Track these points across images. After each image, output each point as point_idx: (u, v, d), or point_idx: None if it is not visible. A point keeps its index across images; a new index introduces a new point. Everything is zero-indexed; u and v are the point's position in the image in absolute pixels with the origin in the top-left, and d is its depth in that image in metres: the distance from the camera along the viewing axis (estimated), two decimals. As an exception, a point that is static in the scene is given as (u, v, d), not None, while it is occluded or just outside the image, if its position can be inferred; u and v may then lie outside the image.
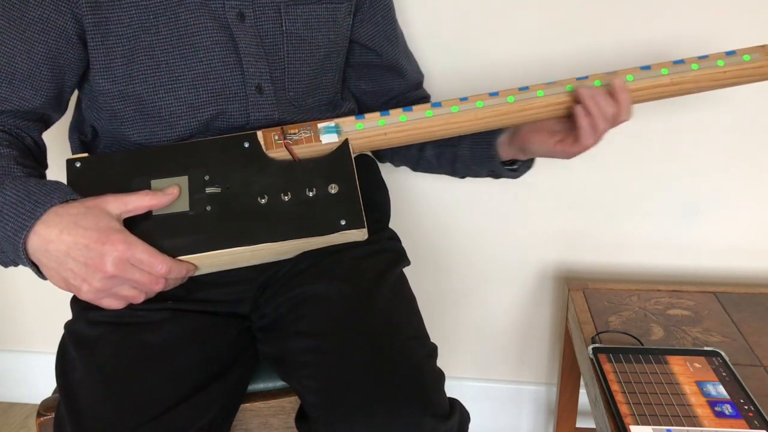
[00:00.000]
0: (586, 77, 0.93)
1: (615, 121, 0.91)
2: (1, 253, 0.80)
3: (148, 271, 0.78)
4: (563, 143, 0.94)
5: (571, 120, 0.93)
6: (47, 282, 0.80)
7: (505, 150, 1.01)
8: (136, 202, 0.80)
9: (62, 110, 0.95)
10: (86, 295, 0.79)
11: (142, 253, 0.78)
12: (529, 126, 0.97)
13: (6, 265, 0.82)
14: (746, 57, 0.93)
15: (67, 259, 0.76)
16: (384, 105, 1.11)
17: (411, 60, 1.15)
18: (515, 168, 1.04)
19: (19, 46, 0.85)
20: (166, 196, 0.82)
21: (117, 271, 0.77)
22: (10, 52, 0.85)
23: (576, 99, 0.92)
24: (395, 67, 1.09)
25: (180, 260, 0.81)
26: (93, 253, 0.76)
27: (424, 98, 1.16)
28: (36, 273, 0.80)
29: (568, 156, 0.96)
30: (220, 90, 0.91)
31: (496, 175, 1.07)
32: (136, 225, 0.81)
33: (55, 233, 0.76)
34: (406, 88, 1.12)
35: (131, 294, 0.80)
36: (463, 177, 1.13)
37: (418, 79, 1.16)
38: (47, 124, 0.94)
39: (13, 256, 0.78)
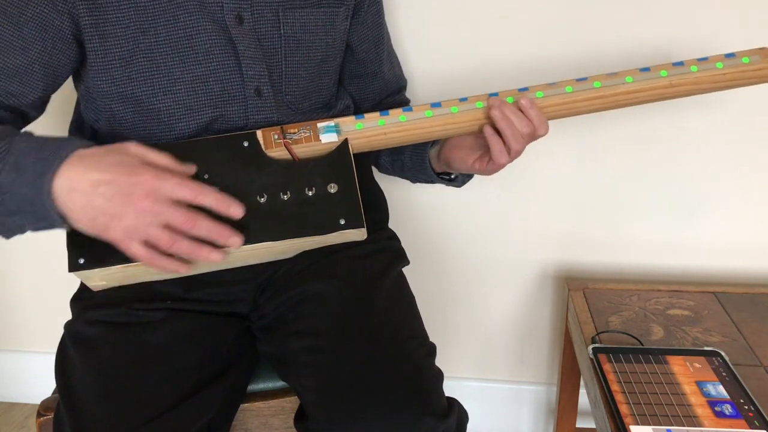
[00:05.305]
0: (586, 78, 0.93)
1: (532, 138, 0.91)
2: (13, 215, 0.76)
3: (180, 184, 0.76)
4: (480, 162, 0.93)
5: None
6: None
7: (435, 163, 1.02)
8: (155, 156, 0.79)
9: (42, 110, 0.93)
10: (114, 234, 0.75)
11: (172, 177, 0.76)
12: (452, 142, 0.97)
13: (11, 234, 0.79)
14: (745, 59, 0.93)
15: (94, 196, 0.74)
16: (368, 108, 1.10)
17: (394, 64, 1.14)
18: (452, 178, 1.04)
19: (15, 42, 0.84)
20: (181, 166, 0.80)
21: (147, 202, 0.74)
22: (5, 47, 0.84)
23: (488, 118, 0.90)
24: (376, 71, 1.08)
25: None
26: (120, 187, 0.74)
27: (401, 104, 1.12)
28: (58, 222, 0.76)
29: (487, 174, 0.95)
30: (219, 93, 0.90)
31: (445, 183, 1.05)
32: None
33: (80, 171, 0.74)
34: (382, 92, 1.11)
35: (162, 237, 0.76)
36: (416, 182, 1.12)
37: (398, 84, 1.15)
38: (26, 121, 0.92)
39: (37, 202, 0.74)
